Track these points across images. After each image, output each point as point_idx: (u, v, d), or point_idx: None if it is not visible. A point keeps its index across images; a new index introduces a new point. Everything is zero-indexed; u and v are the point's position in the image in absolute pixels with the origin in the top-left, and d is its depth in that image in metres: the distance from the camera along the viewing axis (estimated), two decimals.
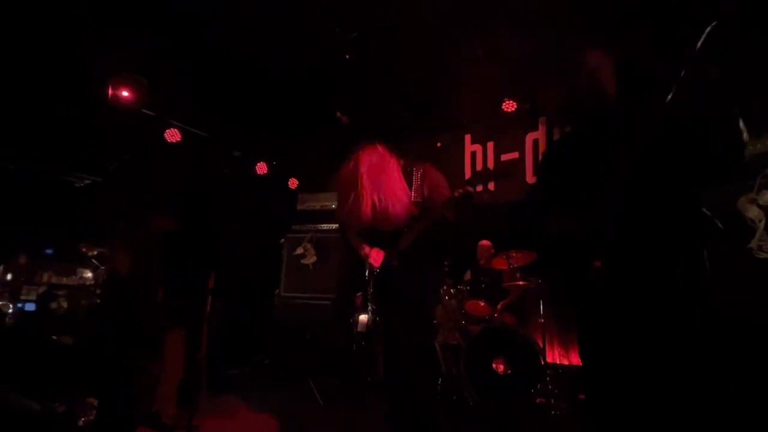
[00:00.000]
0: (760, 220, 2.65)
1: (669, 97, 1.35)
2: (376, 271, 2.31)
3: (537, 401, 3.30)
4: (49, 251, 5.09)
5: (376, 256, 2.31)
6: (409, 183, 2.34)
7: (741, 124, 1.32)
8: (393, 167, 2.32)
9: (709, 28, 1.30)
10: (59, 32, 3.41)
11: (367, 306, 3.58)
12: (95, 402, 2.85)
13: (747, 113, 1.35)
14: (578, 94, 1.68)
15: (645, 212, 1.42)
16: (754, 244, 2.64)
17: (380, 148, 2.36)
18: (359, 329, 4.38)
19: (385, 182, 2.25)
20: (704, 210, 1.39)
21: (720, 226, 1.37)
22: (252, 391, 4.02)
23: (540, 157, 4.47)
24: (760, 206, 2.68)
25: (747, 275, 2.61)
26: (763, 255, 2.59)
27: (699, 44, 1.30)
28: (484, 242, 4.33)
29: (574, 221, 1.56)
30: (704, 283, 1.41)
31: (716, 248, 2.54)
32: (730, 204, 2.70)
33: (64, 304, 4.20)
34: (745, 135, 1.32)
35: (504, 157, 4.78)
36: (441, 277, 3.61)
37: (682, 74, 1.34)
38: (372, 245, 2.37)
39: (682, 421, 1.33)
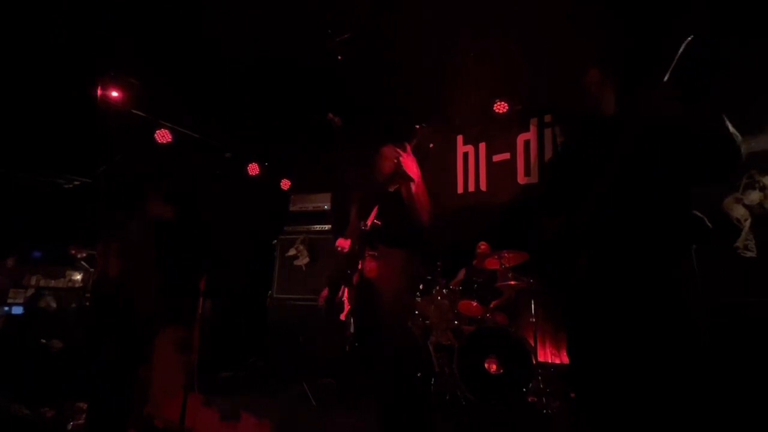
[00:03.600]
0: (746, 220, 2.70)
1: (661, 98, 1.38)
2: (343, 253, 2.33)
3: (529, 400, 3.33)
4: (37, 254, 5.01)
5: (341, 242, 2.34)
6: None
7: (729, 126, 1.35)
8: None
9: (687, 39, 1.34)
10: (49, 32, 3.37)
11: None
12: (84, 406, 2.82)
13: (732, 114, 1.38)
14: (577, 107, 1.73)
15: (634, 213, 1.45)
16: (740, 243, 2.69)
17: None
18: (352, 330, 4.37)
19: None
20: (694, 211, 1.43)
21: (709, 225, 1.40)
22: (245, 393, 4.00)
23: (533, 159, 4.52)
24: (745, 206, 2.73)
25: (733, 274, 2.65)
26: (749, 254, 2.64)
27: (678, 55, 1.34)
28: (482, 244, 4.35)
29: (568, 221, 1.59)
30: (692, 281, 1.44)
31: (703, 248, 2.60)
32: (716, 204, 2.75)
33: (53, 303, 4.15)
34: (732, 131, 1.36)
35: (495, 158, 4.82)
36: (413, 268, 3.61)
37: (666, 79, 1.38)
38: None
39: (673, 419, 1.36)
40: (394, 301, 2.22)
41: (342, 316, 2.33)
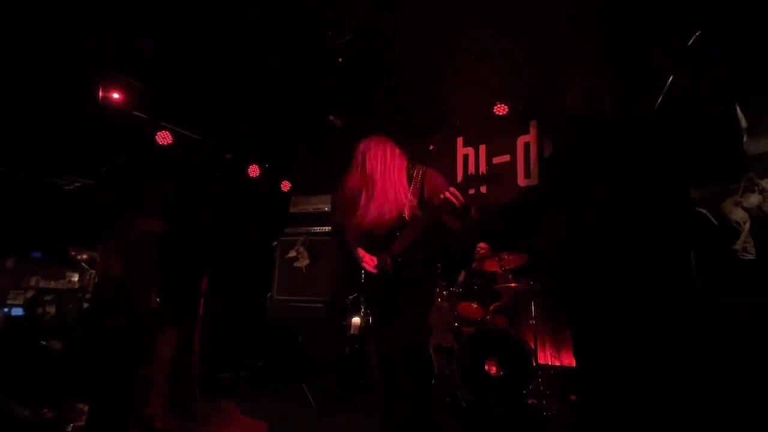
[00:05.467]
0: (745, 222, 2.70)
1: (659, 99, 1.39)
2: (371, 276, 2.30)
3: (529, 402, 3.33)
4: (37, 254, 5.01)
5: (370, 261, 2.28)
6: (409, 184, 2.31)
7: (739, 112, 1.36)
8: (398, 166, 2.31)
9: (695, 36, 1.35)
10: (50, 32, 3.38)
11: (360, 308, 3.59)
12: (85, 407, 2.82)
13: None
14: (572, 107, 1.74)
15: (634, 214, 1.45)
16: (739, 245, 2.68)
17: (389, 146, 2.36)
18: (352, 332, 4.38)
19: (388, 182, 2.25)
20: (699, 209, 1.43)
21: (714, 221, 1.41)
22: (245, 394, 4.00)
23: (533, 161, 4.53)
24: (744, 208, 2.73)
25: (732, 276, 2.65)
26: (748, 256, 2.64)
27: (687, 47, 1.34)
28: (482, 245, 4.36)
29: (569, 221, 1.60)
30: (691, 282, 1.45)
31: (703, 250, 2.60)
32: (715, 207, 2.75)
33: (51, 310, 4.14)
34: (744, 123, 1.36)
35: (496, 160, 4.82)
36: (435, 282, 3.62)
37: (671, 78, 1.38)
38: (367, 249, 2.34)
39: (673, 418, 1.36)
40: (409, 310, 2.21)
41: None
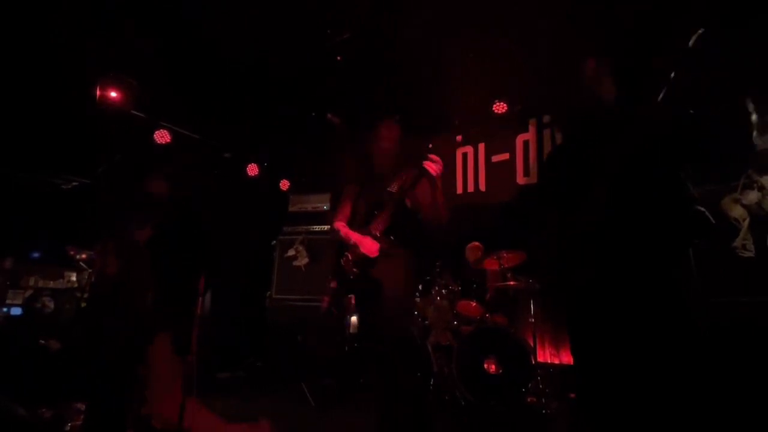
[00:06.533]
0: (744, 220, 2.71)
1: (660, 96, 1.39)
2: (353, 272, 2.32)
3: (528, 400, 3.33)
4: (35, 254, 5.00)
5: (370, 246, 2.29)
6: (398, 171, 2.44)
7: (750, 106, 1.36)
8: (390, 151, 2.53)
9: (699, 31, 1.34)
10: (49, 32, 3.37)
11: (336, 304, 3.57)
12: (83, 407, 2.81)
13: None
14: (576, 102, 1.74)
15: (634, 214, 1.45)
16: (738, 243, 2.70)
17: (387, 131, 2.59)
18: (351, 330, 4.38)
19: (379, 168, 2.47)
20: (699, 207, 1.43)
21: (711, 219, 1.41)
22: (244, 394, 4.00)
23: (532, 159, 4.53)
24: (743, 206, 2.74)
25: (731, 274, 2.66)
26: (747, 254, 2.65)
27: (690, 44, 1.34)
28: (474, 243, 4.36)
29: (569, 221, 1.60)
30: (691, 281, 1.45)
31: (702, 248, 2.61)
32: (714, 204, 2.76)
33: (50, 304, 4.14)
34: (754, 117, 1.36)
35: (495, 159, 4.82)
36: (415, 269, 3.64)
37: (673, 74, 1.38)
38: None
39: (672, 418, 1.36)
40: (396, 300, 2.24)
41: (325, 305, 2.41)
